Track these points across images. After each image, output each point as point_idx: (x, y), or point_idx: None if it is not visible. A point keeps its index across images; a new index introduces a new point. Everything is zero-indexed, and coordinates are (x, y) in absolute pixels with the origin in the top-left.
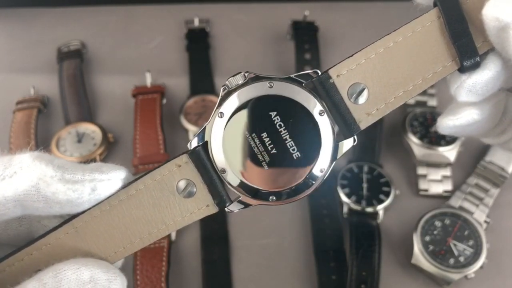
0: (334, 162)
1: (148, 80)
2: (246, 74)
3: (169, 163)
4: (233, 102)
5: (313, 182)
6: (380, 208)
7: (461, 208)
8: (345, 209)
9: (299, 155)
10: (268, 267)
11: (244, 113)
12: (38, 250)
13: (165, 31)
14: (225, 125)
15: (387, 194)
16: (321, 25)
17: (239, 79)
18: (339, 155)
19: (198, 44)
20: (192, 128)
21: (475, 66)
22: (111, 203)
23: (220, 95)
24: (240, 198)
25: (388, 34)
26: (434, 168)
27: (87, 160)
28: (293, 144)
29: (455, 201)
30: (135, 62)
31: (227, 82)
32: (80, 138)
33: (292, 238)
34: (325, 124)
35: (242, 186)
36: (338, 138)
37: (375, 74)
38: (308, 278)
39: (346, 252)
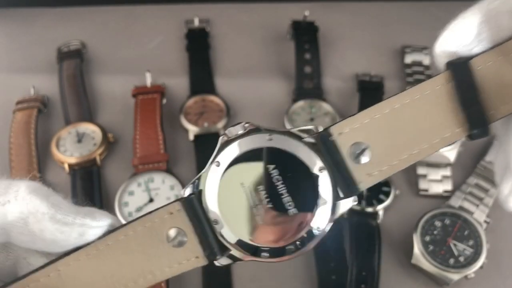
0: (332, 223)
1: (148, 80)
2: (246, 125)
3: (161, 209)
4: (231, 152)
5: (308, 242)
6: (380, 208)
7: (461, 208)
8: None
9: (296, 212)
10: (268, 267)
11: (241, 164)
12: None
13: (165, 31)
14: (221, 175)
15: (387, 194)
16: (321, 25)
17: (238, 129)
18: (336, 216)
19: (198, 44)
20: (192, 128)
21: (484, 135)
22: (98, 247)
23: (218, 144)
24: (231, 252)
25: (395, 94)
26: (434, 168)
27: (88, 159)
28: (290, 200)
29: (455, 201)
30: (135, 62)
31: (226, 132)
32: (80, 138)
33: None
34: (323, 182)
35: (235, 241)
36: (336, 197)
37: (379, 134)
38: (308, 278)
39: (346, 252)
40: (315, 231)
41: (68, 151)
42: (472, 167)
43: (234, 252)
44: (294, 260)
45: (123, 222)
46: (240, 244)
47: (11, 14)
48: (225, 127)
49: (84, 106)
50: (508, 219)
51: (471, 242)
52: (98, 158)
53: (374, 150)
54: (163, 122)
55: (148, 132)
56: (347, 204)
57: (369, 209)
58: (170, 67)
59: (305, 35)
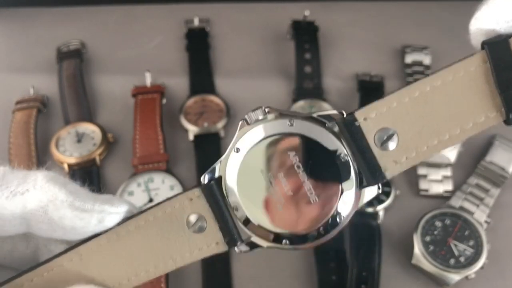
0: (354, 211)
1: (148, 80)
2: (266, 110)
3: (180, 195)
4: (250, 137)
5: (330, 230)
6: (380, 208)
7: (461, 208)
8: None
9: (317, 200)
10: (268, 267)
11: (261, 150)
12: (39, 277)
13: (165, 31)
14: (241, 161)
15: (387, 194)
16: (321, 25)
17: (258, 114)
18: (360, 204)
19: (198, 44)
20: (192, 128)
21: None
22: (119, 233)
23: (238, 129)
24: (251, 239)
25: (426, 76)
26: (434, 168)
27: (87, 159)
28: (311, 188)
29: (456, 201)
30: (135, 62)
31: (246, 117)
32: (79, 138)
33: None
34: (347, 169)
35: (255, 227)
36: (360, 185)
37: (408, 119)
38: (308, 278)
39: (346, 252)
40: (337, 220)
41: (67, 151)
42: (472, 167)
43: (254, 238)
44: (294, 260)
45: None
46: (260, 230)
47: (11, 14)
48: (225, 127)
49: (83, 106)
50: (508, 219)
51: (471, 242)
52: (97, 158)
53: (401, 135)
54: (163, 122)
55: (148, 132)
56: (371, 192)
57: (370, 209)
58: (170, 67)
59: (305, 35)
